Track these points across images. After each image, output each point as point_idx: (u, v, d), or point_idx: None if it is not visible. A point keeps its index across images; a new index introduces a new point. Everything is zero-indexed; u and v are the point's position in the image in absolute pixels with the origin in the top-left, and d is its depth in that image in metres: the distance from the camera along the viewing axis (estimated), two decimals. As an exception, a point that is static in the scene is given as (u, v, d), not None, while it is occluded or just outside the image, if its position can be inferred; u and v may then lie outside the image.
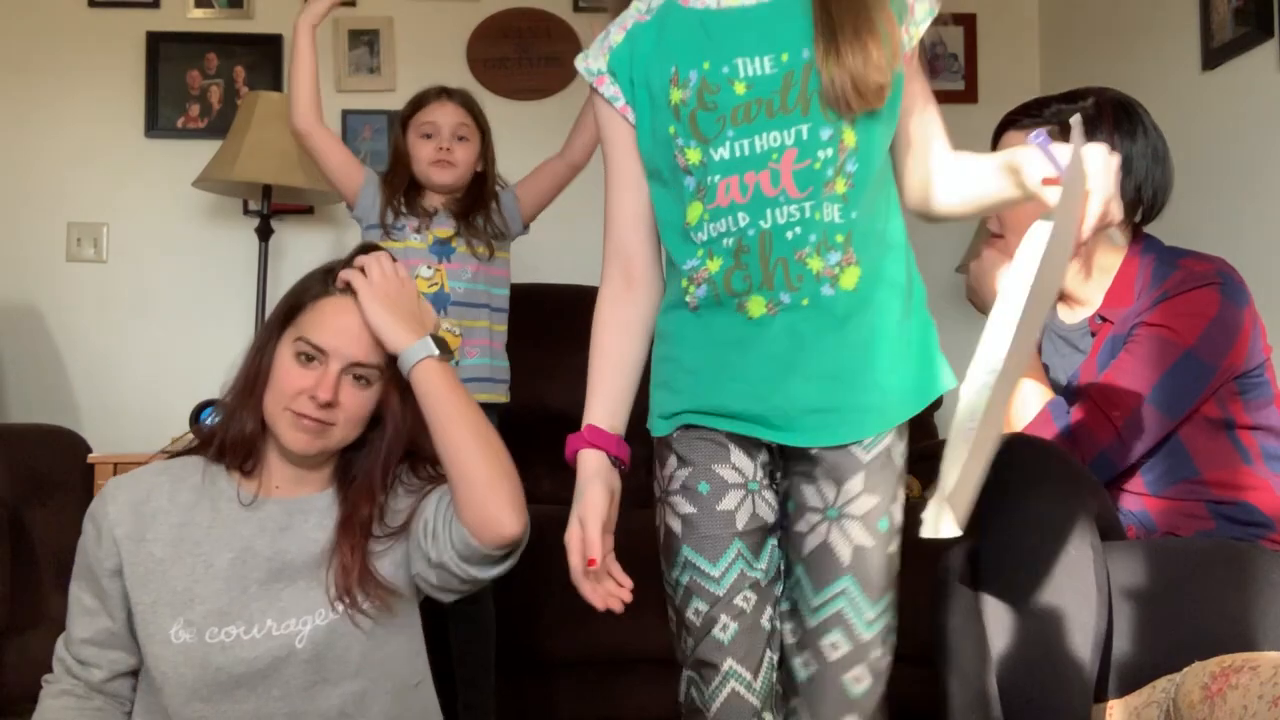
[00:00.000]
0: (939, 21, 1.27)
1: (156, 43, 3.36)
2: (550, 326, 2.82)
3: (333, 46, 3.41)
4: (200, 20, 3.39)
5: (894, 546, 1.27)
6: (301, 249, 3.31)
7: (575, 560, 1.25)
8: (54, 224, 3.31)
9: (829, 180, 1.20)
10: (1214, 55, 2.67)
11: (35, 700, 1.49)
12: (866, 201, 1.22)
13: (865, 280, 1.22)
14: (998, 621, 1.45)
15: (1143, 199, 1.69)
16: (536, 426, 2.37)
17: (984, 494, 1.23)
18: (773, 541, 1.30)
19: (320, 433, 1.44)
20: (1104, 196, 1.15)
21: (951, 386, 1.28)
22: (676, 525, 1.28)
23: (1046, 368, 1.78)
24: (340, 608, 1.43)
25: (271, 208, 3.11)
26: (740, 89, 1.21)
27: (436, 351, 1.45)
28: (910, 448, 1.29)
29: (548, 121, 3.32)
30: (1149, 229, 1.78)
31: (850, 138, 1.21)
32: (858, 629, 1.24)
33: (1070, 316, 1.76)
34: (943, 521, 1.19)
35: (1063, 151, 1.16)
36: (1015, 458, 1.43)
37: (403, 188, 2.29)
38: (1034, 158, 1.19)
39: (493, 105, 3.00)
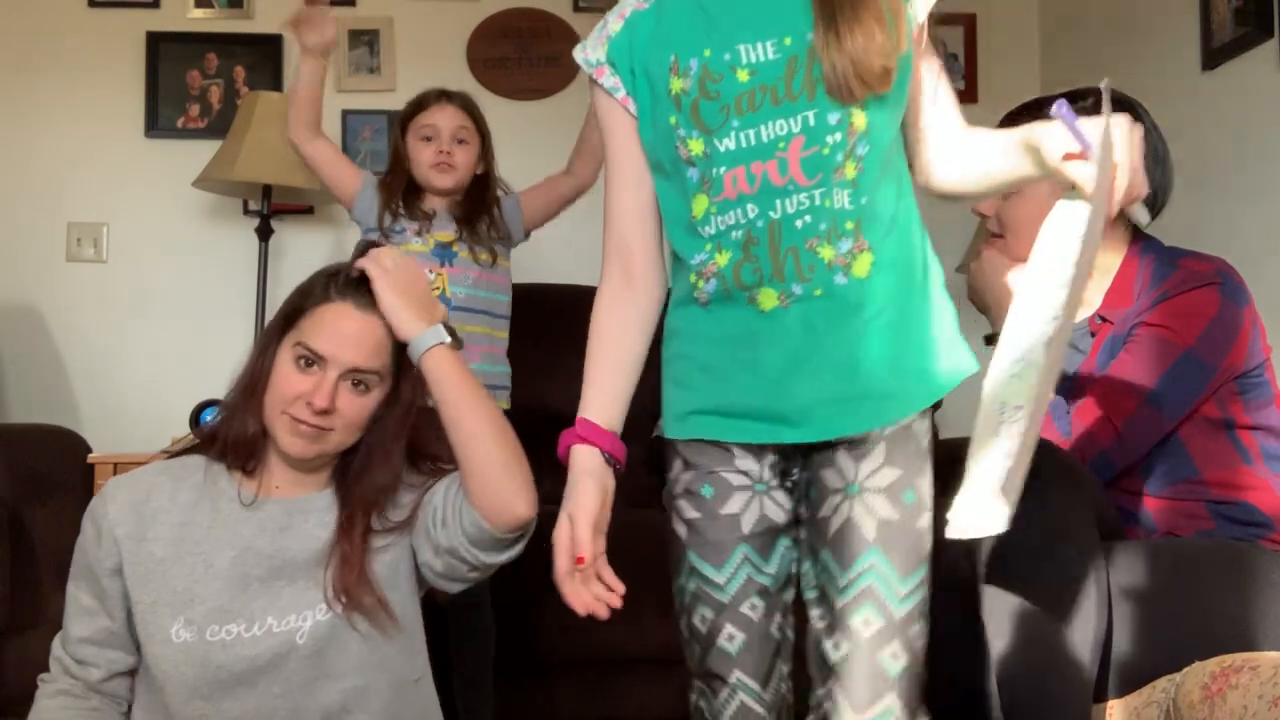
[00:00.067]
0: (939, 21, 1.25)
1: (156, 43, 3.36)
2: (550, 326, 2.81)
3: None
4: (200, 20, 3.39)
5: (924, 522, 1.21)
6: (301, 249, 3.31)
7: (562, 560, 1.21)
8: (54, 224, 3.31)
9: (838, 166, 1.17)
10: (1214, 55, 2.67)
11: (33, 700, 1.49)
12: (877, 184, 1.19)
13: (879, 266, 1.19)
14: (998, 621, 1.45)
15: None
16: (536, 427, 2.36)
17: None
18: (784, 543, 1.26)
19: (317, 438, 1.44)
20: (1131, 169, 1.12)
21: (975, 370, 1.24)
22: (682, 531, 1.26)
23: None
24: (338, 607, 1.43)
25: (271, 208, 3.11)
26: (743, 76, 1.18)
27: (449, 338, 1.46)
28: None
29: (548, 121, 3.33)
30: (1149, 229, 1.78)
31: (860, 120, 1.17)
32: (890, 604, 1.18)
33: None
34: (981, 517, 1.14)
35: (1086, 125, 1.13)
36: (1015, 458, 1.42)
37: (401, 190, 2.28)
38: (1054, 132, 1.15)
39: (493, 105, 3.00)
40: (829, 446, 1.21)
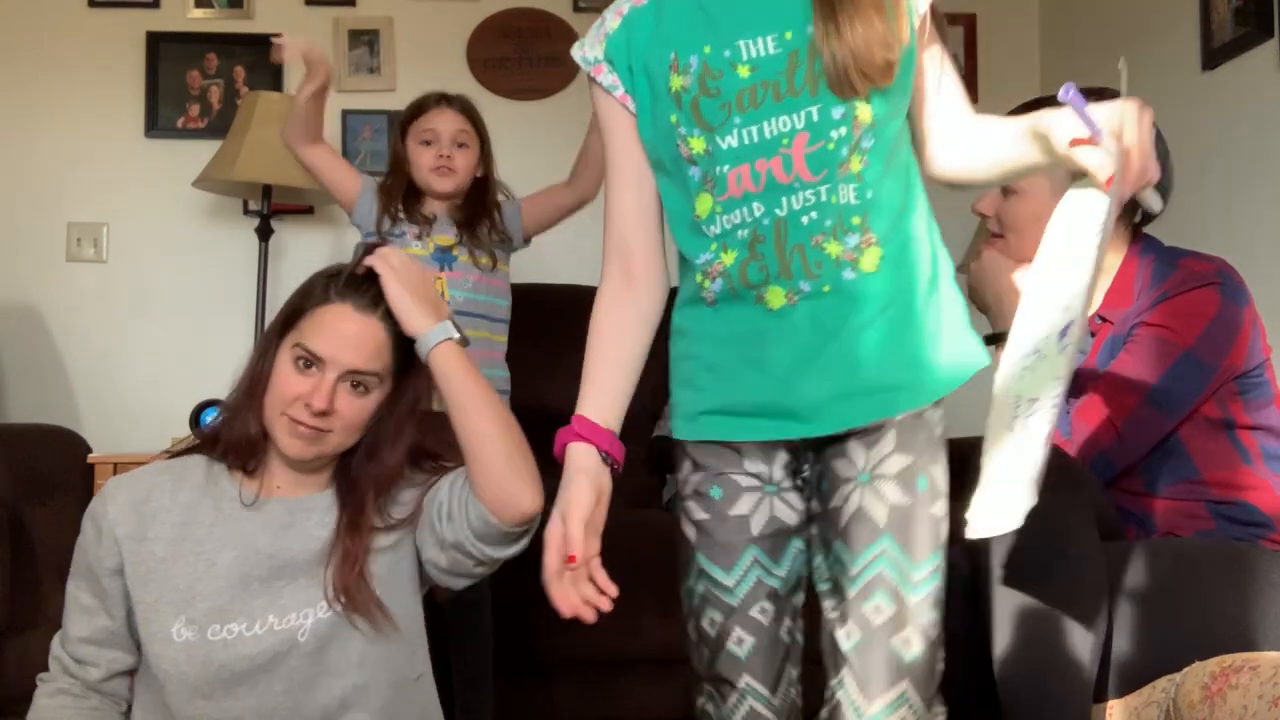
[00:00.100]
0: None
1: (156, 43, 3.36)
2: (550, 326, 2.81)
3: (333, 46, 3.40)
4: (200, 20, 3.39)
5: (938, 509, 1.18)
6: (301, 249, 3.31)
7: (552, 558, 1.18)
8: (54, 224, 3.31)
9: (843, 161, 1.15)
10: (1214, 55, 2.67)
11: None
12: (882, 177, 1.18)
13: (887, 260, 1.17)
14: (998, 621, 1.45)
15: (1143, 199, 1.69)
16: (536, 427, 2.36)
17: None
18: (796, 545, 1.24)
19: (316, 439, 1.44)
20: (1143, 152, 1.10)
21: (986, 364, 1.22)
22: (691, 532, 1.25)
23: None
24: (338, 606, 1.43)
25: (271, 208, 3.11)
26: (744, 72, 1.16)
27: (457, 335, 1.47)
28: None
29: (548, 121, 3.33)
30: (1149, 229, 1.78)
31: (865, 114, 1.15)
32: (903, 590, 1.15)
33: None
34: (998, 515, 1.11)
35: (1096, 111, 1.11)
36: (1015, 458, 1.42)
37: (401, 194, 2.28)
38: (1063, 120, 1.13)
39: (493, 105, 3.00)
40: (840, 439, 1.19)
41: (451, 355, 1.45)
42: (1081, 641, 1.42)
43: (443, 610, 1.96)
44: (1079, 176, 1.17)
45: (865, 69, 1.13)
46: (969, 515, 1.14)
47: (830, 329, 1.17)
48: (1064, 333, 1.12)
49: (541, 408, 2.61)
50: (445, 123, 2.27)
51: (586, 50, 1.27)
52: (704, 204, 1.20)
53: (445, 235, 2.26)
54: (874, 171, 1.17)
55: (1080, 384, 1.69)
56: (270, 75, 3.38)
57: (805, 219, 1.16)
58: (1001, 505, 1.12)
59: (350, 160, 3.33)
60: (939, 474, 1.20)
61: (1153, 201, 1.19)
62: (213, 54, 3.39)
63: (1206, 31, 2.69)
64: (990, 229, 1.81)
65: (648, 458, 2.79)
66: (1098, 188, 1.13)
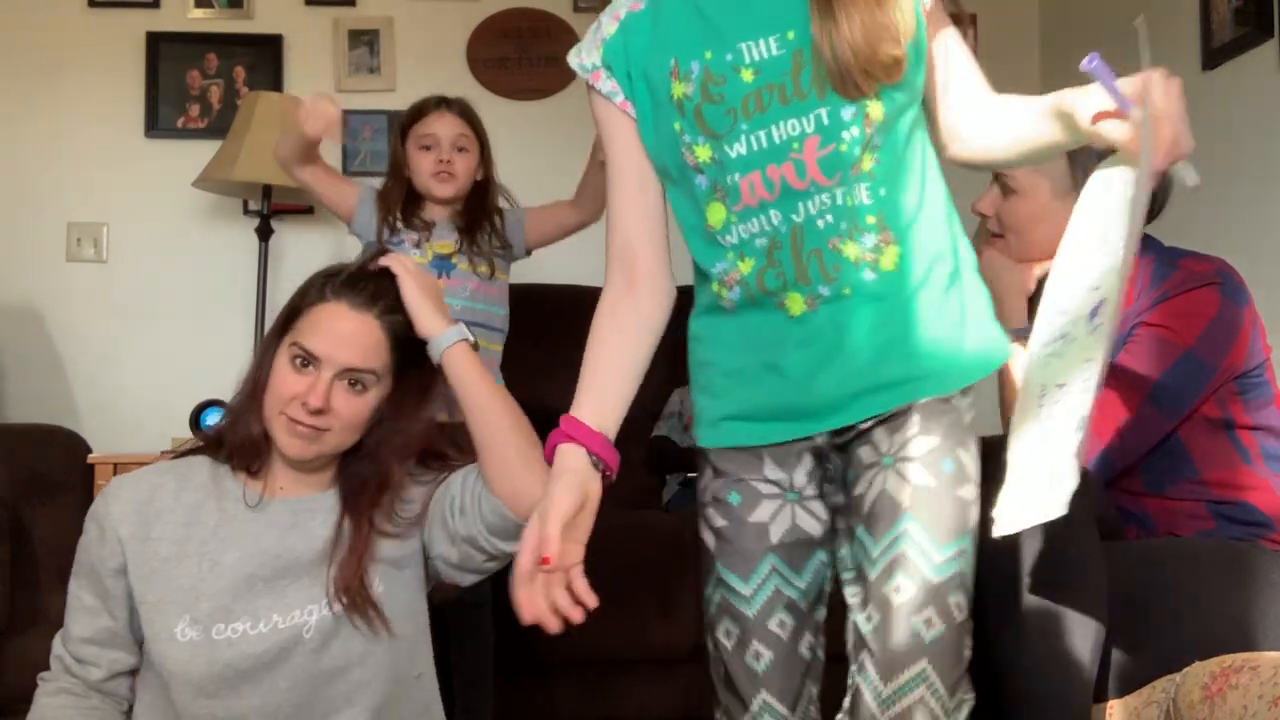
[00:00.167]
0: None
1: (156, 43, 3.36)
2: (550, 327, 2.81)
3: (333, 46, 3.41)
4: (200, 20, 3.39)
5: (966, 493, 1.14)
6: (301, 249, 3.31)
7: (524, 558, 1.10)
8: (54, 224, 3.30)
9: (857, 160, 1.12)
10: (1214, 55, 2.67)
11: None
12: (896, 173, 1.14)
13: (906, 257, 1.14)
14: (998, 621, 1.45)
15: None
16: (536, 427, 2.36)
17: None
18: (819, 557, 1.21)
19: (314, 438, 1.44)
20: (1175, 121, 1.04)
21: (1008, 357, 1.20)
22: (710, 540, 1.22)
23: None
24: (338, 607, 1.44)
25: (271, 208, 3.11)
26: (748, 76, 1.13)
27: (471, 337, 1.49)
28: None
29: (548, 121, 3.33)
30: (1148, 229, 1.78)
31: (876, 111, 1.12)
32: (925, 570, 1.10)
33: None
34: (1028, 508, 1.07)
35: (1124, 82, 1.05)
36: (1015, 458, 1.42)
37: (400, 200, 2.27)
38: (1086, 94, 1.08)
39: (493, 105, 3.01)
40: (864, 431, 1.17)
41: (465, 356, 1.47)
42: (1081, 641, 1.42)
43: (443, 611, 1.96)
44: (1104, 157, 1.13)
45: (869, 67, 1.09)
46: (995, 513, 1.11)
47: (850, 330, 1.14)
48: (1095, 313, 1.08)
49: (541, 408, 2.61)
50: (445, 127, 2.26)
51: (584, 57, 1.23)
52: (717, 214, 1.17)
53: (444, 242, 2.25)
54: (888, 168, 1.14)
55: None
56: (270, 75, 3.38)
57: (821, 223, 1.13)
58: (1030, 497, 1.08)
59: (350, 160, 3.37)
60: (967, 458, 1.15)
61: (1187, 175, 1.11)
62: (213, 54, 3.38)
63: (1206, 31, 2.69)
64: (990, 229, 1.81)
65: (647, 458, 2.79)
66: (1126, 163, 1.08)
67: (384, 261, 1.50)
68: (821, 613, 1.22)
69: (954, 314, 1.17)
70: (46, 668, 1.51)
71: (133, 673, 1.49)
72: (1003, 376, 1.64)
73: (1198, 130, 1.07)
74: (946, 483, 1.13)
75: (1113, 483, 1.67)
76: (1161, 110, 1.03)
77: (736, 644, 1.19)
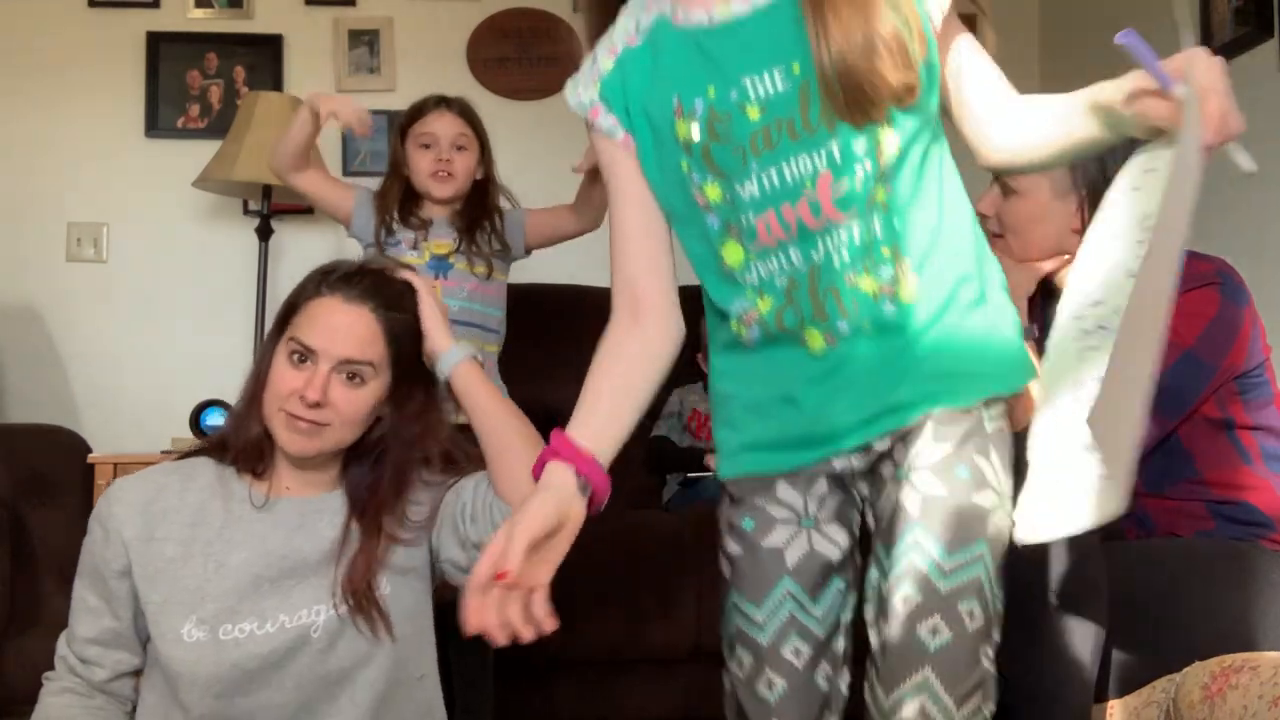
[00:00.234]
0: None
1: (156, 43, 3.36)
2: (549, 327, 2.82)
3: (333, 46, 3.41)
4: (200, 20, 3.39)
5: (983, 499, 1.09)
6: (301, 249, 3.31)
7: (482, 567, 1.02)
8: (54, 224, 3.31)
9: (871, 194, 1.08)
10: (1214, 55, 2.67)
11: (35, 700, 1.49)
12: (911, 199, 1.11)
13: (926, 284, 1.10)
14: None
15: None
16: (535, 427, 2.37)
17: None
18: (837, 585, 1.17)
19: (314, 433, 1.44)
20: (1223, 98, 0.99)
21: (1033, 378, 1.16)
22: (726, 569, 1.19)
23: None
24: (343, 608, 1.44)
25: (271, 208, 3.11)
26: (754, 114, 1.09)
27: (477, 354, 1.55)
28: None
29: (548, 121, 3.33)
30: (1149, 229, 1.78)
31: (890, 139, 1.08)
32: (933, 578, 1.06)
33: (1070, 316, 1.76)
34: (1053, 515, 1.04)
35: (1165, 61, 0.99)
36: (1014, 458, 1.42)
37: (398, 199, 2.27)
38: (1123, 80, 1.03)
39: (492, 105, 3.01)
40: (885, 451, 1.14)
41: (472, 373, 1.52)
42: (1081, 641, 1.42)
43: (443, 610, 1.96)
44: (1157, 136, 1.07)
45: (876, 94, 1.05)
46: (1015, 515, 1.08)
47: (868, 364, 1.11)
48: (1133, 307, 1.04)
49: (540, 408, 2.62)
50: (444, 126, 2.26)
51: (581, 93, 1.19)
52: (734, 253, 1.14)
53: (442, 241, 2.25)
54: (903, 197, 1.10)
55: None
56: (270, 75, 3.38)
57: (837, 259, 1.10)
58: (1058, 504, 1.04)
59: (351, 160, 3.37)
60: (986, 465, 1.10)
61: (1240, 159, 1.04)
62: (213, 54, 3.38)
63: (1206, 31, 2.69)
64: (990, 229, 1.81)
65: (647, 458, 2.79)
66: (1169, 144, 1.03)
67: (406, 275, 1.55)
68: (840, 643, 1.18)
69: (978, 333, 1.13)
70: (46, 667, 1.51)
71: (136, 673, 1.50)
72: None
73: (1197, 130, 1.05)
74: (960, 489, 1.09)
75: (1113, 483, 1.67)
76: (1208, 84, 0.98)
77: (749, 673, 1.15)
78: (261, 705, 1.42)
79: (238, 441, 1.49)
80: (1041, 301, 1.76)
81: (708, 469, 2.69)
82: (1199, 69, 0.98)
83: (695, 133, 1.11)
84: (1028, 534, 1.09)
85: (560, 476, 1.09)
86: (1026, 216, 1.73)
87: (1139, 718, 1.43)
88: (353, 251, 2.28)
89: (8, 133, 3.30)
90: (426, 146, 2.26)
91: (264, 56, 3.40)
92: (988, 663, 1.08)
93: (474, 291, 2.25)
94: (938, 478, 1.09)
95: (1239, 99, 1.02)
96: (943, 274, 1.12)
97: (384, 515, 1.47)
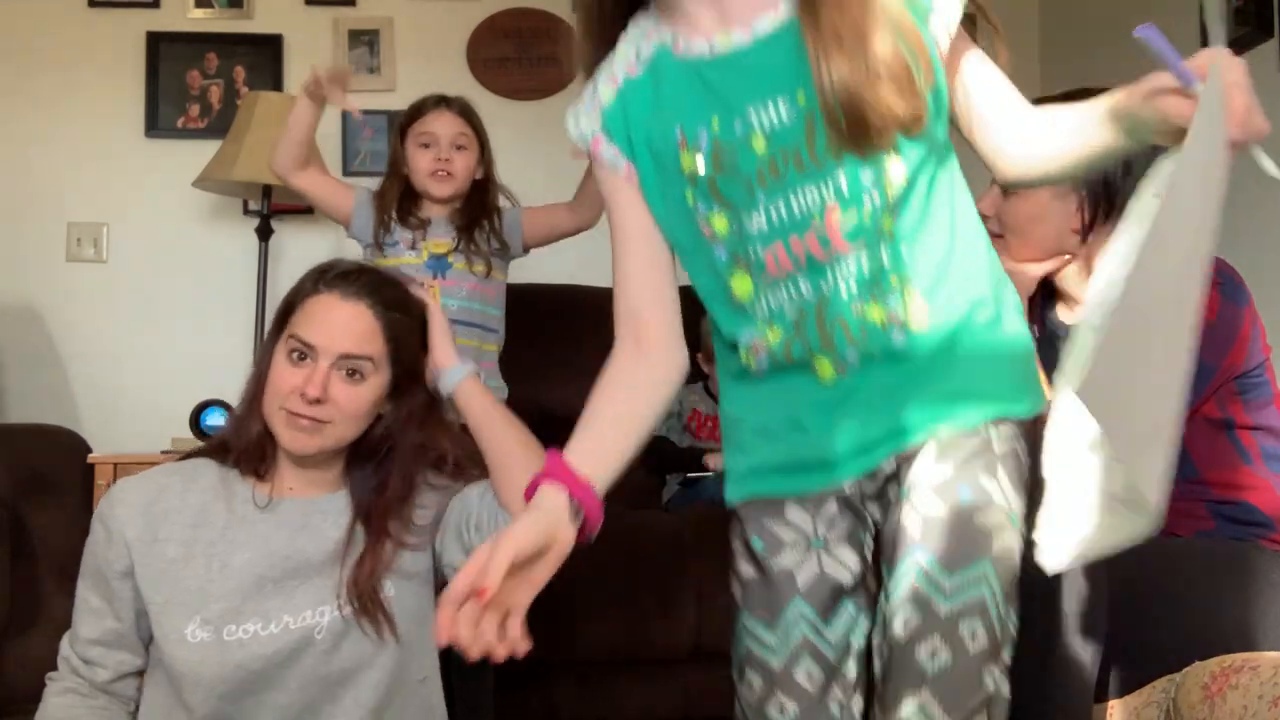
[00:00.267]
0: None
1: (156, 43, 3.36)
2: (546, 327, 2.82)
3: (333, 46, 3.41)
4: (200, 20, 3.39)
5: (988, 517, 1.06)
6: (301, 249, 3.31)
7: (459, 582, 0.99)
8: (54, 224, 3.31)
9: (879, 224, 1.07)
10: (1214, 55, 2.67)
11: (35, 700, 1.49)
12: (922, 227, 1.10)
13: (936, 311, 1.09)
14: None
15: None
16: (532, 428, 2.37)
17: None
18: (849, 608, 1.15)
19: (315, 430, 1.44)
20: (1246, 94, 0.96)
21: (1043, 406, 1.14)
22: (738, 591, 1.18)
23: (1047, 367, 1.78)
24: (348, 610, 1.44)
25: (271, 208, 3.11)
26: (760, 146, 1.07)
27: (478, 370, 1.58)
28: None
29: (548, 121, 3.32)
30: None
31: (897, 170, 1.07)
32: (933, 599, 1.04)
33: (1070, 317, 1.76)
34: (1073, 537, 1.02)
35: (1189, 58, 0.97)
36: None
37: (397, 199, 2.27)
38: (1142, 82, 1.01)
39: (492, 105, 3.01)
40: (892, 474, 1.13)
41: (475, 388, 1.54)
42: (1081, 641, 1.42)
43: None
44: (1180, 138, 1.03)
45: (882, 123, 1.04)
46: (1035, 535, 1.06)
47: (877, 392, 1.11)
48: (1163, 314, 1.00)
49: (538, 408, 2.62)
50: (444, 125, 2.26)
51: (583, 124, 1.17)
52: (743, 285, 1.13)
53: (441, 241, 2.25)
54: (912, 226, 1.09)
55: (1080, 384, 1.69)
56: (270, 75, 3.38)
57: (844, 290, 1.09)
58: (1084, 526, 1.02)
59: (350, 160, 3.37)
60: (992, 485, 1.08)
61: (1267, 163, 1.02)
62: (213, 54, 3.39)
63: (1206, 31, 2.70)
64: (990, 229, 1.80)
65: (647, 458, 2.79)
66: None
67: (419, 293, 1.57)
68: (853, 669, 1.15)
69: (988, 356, 1.12)
70: (47, 667, 1.51)
71: (139, 673, 1.50)
72: None
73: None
74: (962, 509, 1.07)
75: (1113, 483, 1.67)
76: (1233, 80, 0.96)
77: (760, 696, 1.13)
78: (265, 706, 1.42)
79: (239, 442, 1.50)
80: (1041, 302, 1.76)
81: (707, 469, 2.69)
82: (1224, 65, 0.96)
83: (701, 165, 1.10)
84: (1055, 563, 1.06)
85: (552, 499, 1.07)
86: (1026, 216, 1.73)
87: (1139, 718, 1.43)
88: (352, 252, 2.28)
89: (8, 132, 3.30)
90: (426, 146, 2.26)
91: (264, 56, 3.40)
92: (994, 684, 1.05)
93: (473, 290, 2.25)
94: (939, 497, 1.07)
95: (1240, 99, 1.00)
96: (954, 299, 1.10)
97: (390, 520, 1.47)
